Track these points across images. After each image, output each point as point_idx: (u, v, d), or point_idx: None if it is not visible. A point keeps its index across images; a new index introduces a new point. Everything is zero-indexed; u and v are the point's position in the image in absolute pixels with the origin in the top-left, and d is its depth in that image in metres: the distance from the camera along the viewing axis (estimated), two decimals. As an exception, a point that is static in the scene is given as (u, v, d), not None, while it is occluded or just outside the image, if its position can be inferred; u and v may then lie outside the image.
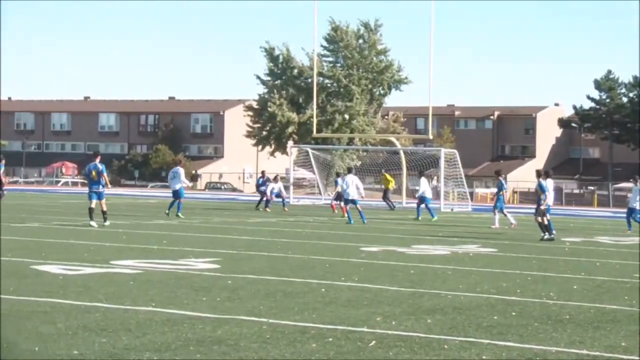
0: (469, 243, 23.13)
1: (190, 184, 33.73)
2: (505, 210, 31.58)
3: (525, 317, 11.10)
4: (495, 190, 34.32)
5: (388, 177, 45.33)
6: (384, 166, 53.09)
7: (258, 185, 41.71)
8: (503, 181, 32.40)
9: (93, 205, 25.62)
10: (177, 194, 31.85)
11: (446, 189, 49.05)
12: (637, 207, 30.27)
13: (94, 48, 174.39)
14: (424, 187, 36.10)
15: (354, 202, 32.20)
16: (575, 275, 16.13)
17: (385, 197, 44.71)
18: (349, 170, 34.56)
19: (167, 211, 31.54)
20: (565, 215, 46.26)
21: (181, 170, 32.89)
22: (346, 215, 31.86)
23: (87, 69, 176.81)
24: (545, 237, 24.66)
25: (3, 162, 30.85)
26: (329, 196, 49.80)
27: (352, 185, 32.31)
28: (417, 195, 37.15)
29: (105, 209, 25.83)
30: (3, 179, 31.62)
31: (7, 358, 8.31)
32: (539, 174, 26.30)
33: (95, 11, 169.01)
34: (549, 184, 26.13)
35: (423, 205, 35.77)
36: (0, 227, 22.87)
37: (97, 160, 25.93)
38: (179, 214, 31.26)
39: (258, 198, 41.48)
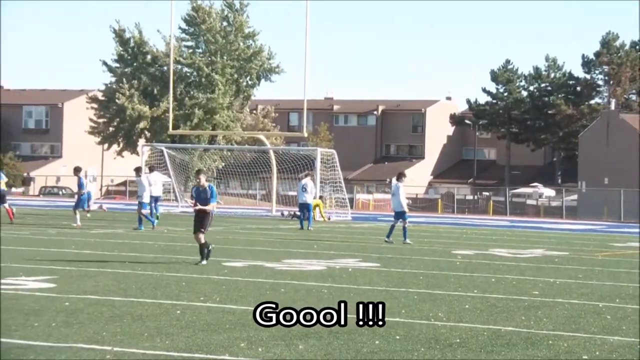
0: (348, 257, 23.40)
1: None
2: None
3: (410, 341, 11.28)
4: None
5: None
6: (253, 167, 53.17)
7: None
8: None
9: None
10: None
11: (323, 194, 49.46)
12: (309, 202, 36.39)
13: None
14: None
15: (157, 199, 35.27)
16: (468, 293, 16.49)
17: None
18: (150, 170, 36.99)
19: None
20: (456, 224, 47.30)
21: None
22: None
23: None
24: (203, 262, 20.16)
25: None
26: (186, 203, 49.51)
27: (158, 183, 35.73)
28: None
29: None
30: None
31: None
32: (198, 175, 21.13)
33: None
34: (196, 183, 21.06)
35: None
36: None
37: None
38: None
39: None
